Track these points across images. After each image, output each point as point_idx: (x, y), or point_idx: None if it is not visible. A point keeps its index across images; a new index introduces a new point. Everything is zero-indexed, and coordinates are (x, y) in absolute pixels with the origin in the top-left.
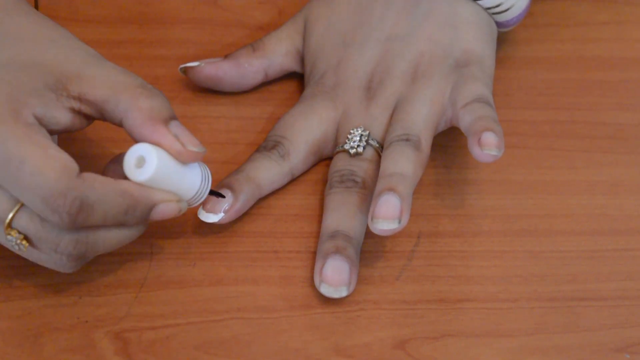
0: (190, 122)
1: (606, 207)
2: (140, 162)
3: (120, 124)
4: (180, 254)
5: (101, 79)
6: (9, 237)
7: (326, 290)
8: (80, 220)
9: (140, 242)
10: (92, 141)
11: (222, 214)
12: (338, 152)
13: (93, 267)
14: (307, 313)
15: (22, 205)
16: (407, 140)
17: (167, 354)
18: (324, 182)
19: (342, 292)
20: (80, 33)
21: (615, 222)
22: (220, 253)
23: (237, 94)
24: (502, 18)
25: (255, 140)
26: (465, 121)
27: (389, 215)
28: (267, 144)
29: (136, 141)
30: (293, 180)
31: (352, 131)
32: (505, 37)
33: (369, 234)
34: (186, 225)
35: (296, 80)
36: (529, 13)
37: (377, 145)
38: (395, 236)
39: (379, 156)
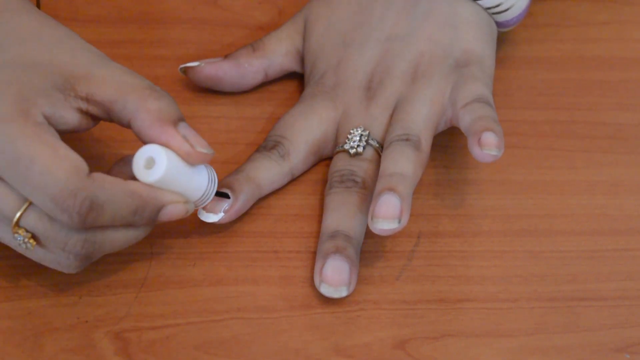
0: (190, 122)
1: (606, 207)
2: (150, 163)
3: (127, 125)
4: (180, 254)
5: (109, 80)
6: (16, 235)
7: (326, 290)
8: (90, 220)
9: (141, 242)
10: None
11: (222, 214)
12: (338, 152)
13: (93, 267)
14: (307, 313)
15: (30, 204)
16: (407, 140)
17: (167, 354)
18: (324, 182)
19: (342, 292)
20: (80, 33)
21: (615, 222)
22: (220, 253)
23: (237, 94)
24: (502, 18)
25: (255, 140)
26: (465, 121)
27: (389, 215)
28: (267, 144)
29: (144, 143)
30: (293, 180)
31: (352, 131)
32: (505, 37)
33: (369, 234)
34: (186, 225)
35: (296, 80)
36: (529, 13)
37: (377, 145)
38: (395, 236)
39: (379, 156)
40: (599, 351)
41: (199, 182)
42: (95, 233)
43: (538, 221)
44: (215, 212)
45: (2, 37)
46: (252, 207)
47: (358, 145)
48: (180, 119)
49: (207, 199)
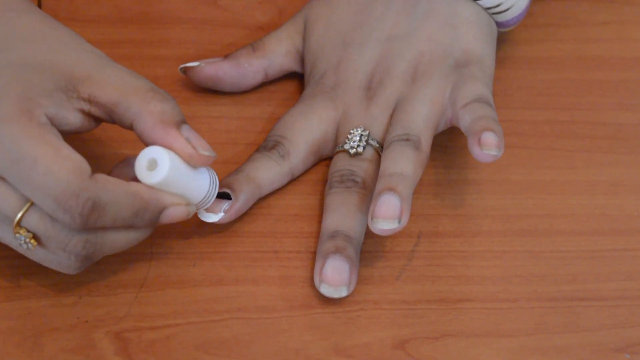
0: (190, 122)
1: (606, 207)
2: (152, 164)
3: (130, 127)
4: (180, 254)
5: (112, 81)
6: (17, 235)
7: (326, 290)
8: (92, 221)
9: (141, 242)
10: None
11: (222, 214)
12: (338, 152)
13: (93, 267)
14: (307, 313)
15: (32, 204)
16: (407, 140)
17: (167, 354)
18: (324, 182)
19: (342, 292)
20: (81, 33)
21: (615, 222)
22: (220, 253)
23: (237, 94)
24: (502, 18)
25: (255, 140)
26: (465, 121)
27: (389, 215)
28: (267, 144)
29: (146, 145)
30: (293, 180)
31: (352, 131)
32: (505, 37)
33: (369, 234)
34: (186, 225)
35: (296, 80)
36: (529, 13)
37: (377, 145)
38: (395, 236)
39: (379, 156)
40: (599, 351)
41: (200, 184)
42: (97, 234)
43: (538, 221)
44: (215, 212)
45: (4, 38)
46: (252, 207)
47: (358, 145)
48: (183, 121)
49: (209, 201)
